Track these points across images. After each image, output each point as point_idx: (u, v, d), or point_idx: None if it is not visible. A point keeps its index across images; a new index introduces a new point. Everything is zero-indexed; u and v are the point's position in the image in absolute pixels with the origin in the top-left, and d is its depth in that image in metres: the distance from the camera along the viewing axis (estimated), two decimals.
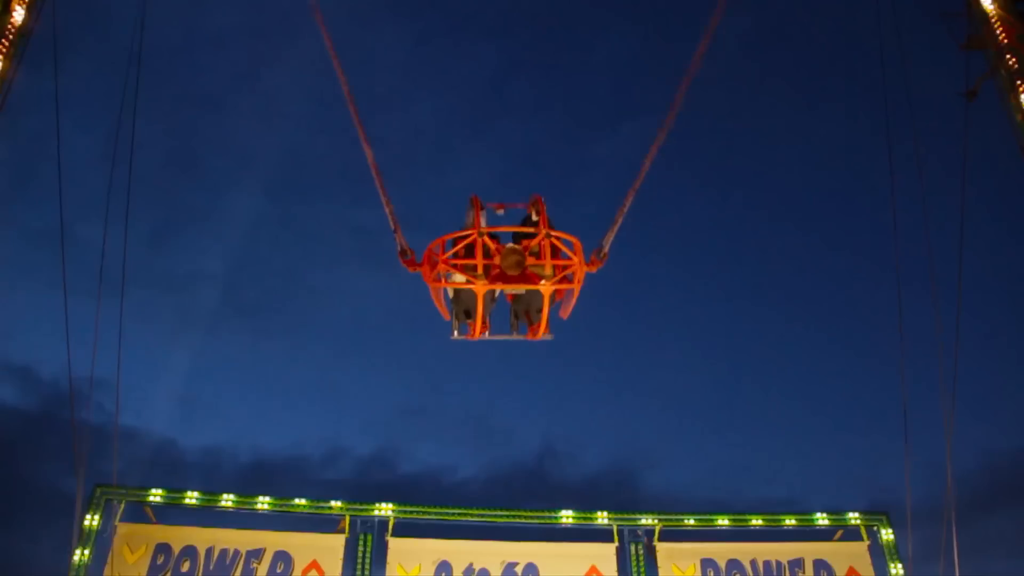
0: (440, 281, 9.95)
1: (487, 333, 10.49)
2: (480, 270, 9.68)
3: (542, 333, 10.25)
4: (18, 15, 13.54)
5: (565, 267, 9.76)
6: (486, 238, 9.84)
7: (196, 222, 50.53)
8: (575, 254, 9.74)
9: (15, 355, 39.75)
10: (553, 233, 9.76)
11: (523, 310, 10.65)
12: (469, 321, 10.20)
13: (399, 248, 10.01)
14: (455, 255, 9.76)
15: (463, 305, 10.38)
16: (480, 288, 9.74)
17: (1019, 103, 13.94)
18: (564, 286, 9.93)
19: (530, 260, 9.71)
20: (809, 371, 53.03)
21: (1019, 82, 14.05)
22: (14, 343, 38.98)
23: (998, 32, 14.53)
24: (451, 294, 10.47)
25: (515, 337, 10.81)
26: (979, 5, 14.92)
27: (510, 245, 9.84)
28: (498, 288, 9.98)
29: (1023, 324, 41.00)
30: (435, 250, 9.80)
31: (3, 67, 13.11)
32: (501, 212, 10.87)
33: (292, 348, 50.86)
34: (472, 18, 53.06)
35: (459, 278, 9.91)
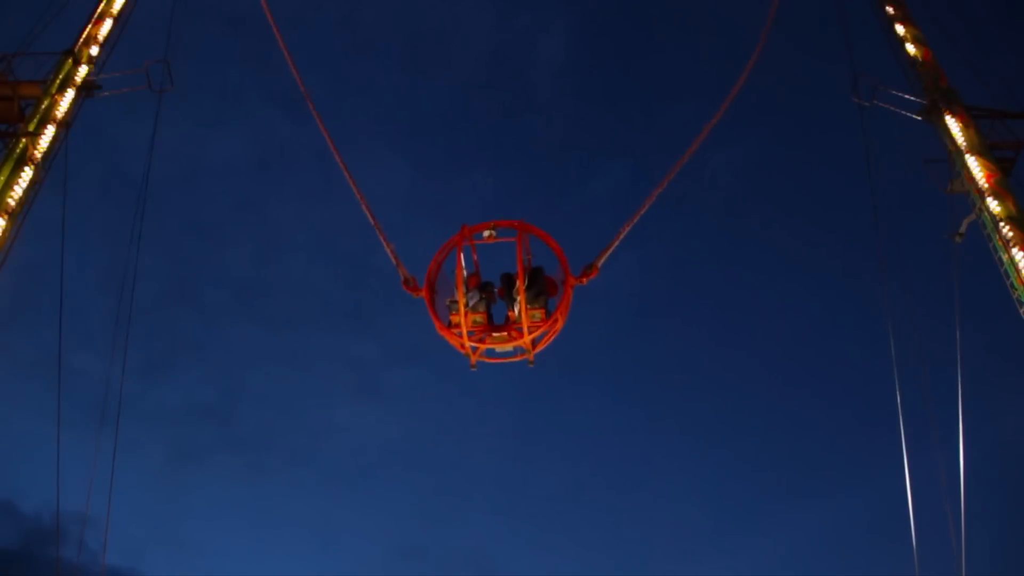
0: (441, 323, 11.31)
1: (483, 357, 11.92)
2: (467, 348, 11.33)
3: (533, 357, 11.94)
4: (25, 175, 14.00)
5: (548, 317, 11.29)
6: (469, 321, 11.22)
7: (192, 353, 50.48)
8: (548, 321, 11.30)
9: None
10: (530, 324, 11.17)
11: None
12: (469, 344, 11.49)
13: (402, 279, 11.61)
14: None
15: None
16: (473, 358, 11.53)
17: (1004, 244, 14.26)
18: (539, 347, 11.65)
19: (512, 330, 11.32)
20: None
21: (1002, 223, 14.43)
22: None
23: (978, 177, 15.07)
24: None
25: (511, 360, 12.16)
26: (959, 153, 15.54)
27: (495, 334, 11.36)
28: (481, 347, 11.55)
29: None
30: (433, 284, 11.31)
31: (5, 227, 13.31)
32: (490, 238, 11.78)
33: (287, 484, 49.59)
34: (469, 150, 54.87)
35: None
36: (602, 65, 54.14)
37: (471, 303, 11.47)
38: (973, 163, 15.25)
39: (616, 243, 11.84)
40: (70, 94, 15.52)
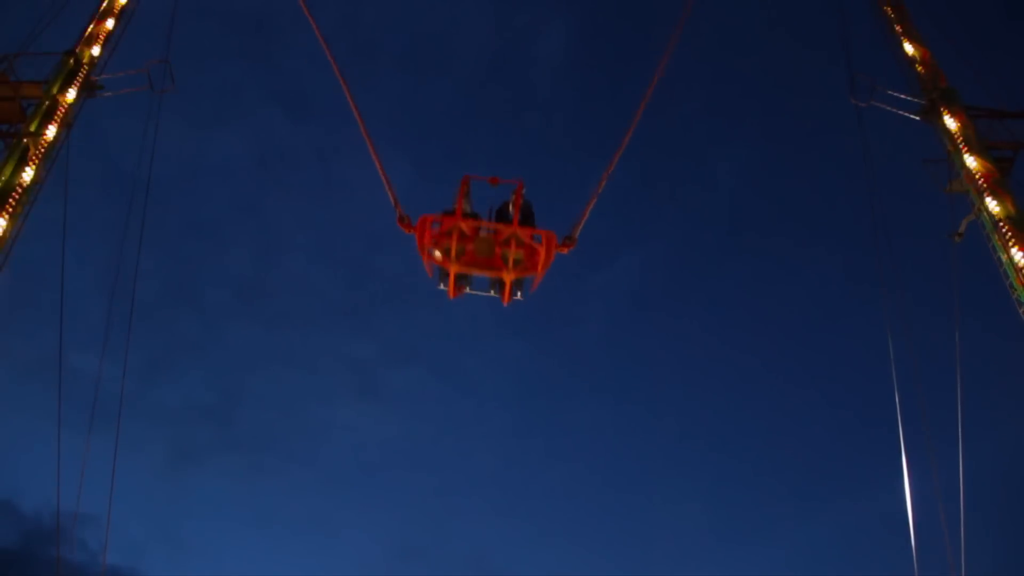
0: (426, 253, 12.05)
1: (466, 290, 12.82)
2: (453, 254, 11.91)
3: (508, 298, 12.63)
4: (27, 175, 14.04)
5: (533, 251, 12.07)
6: (463, 225, 11.91)
7: (192, 353, 50.45)
8: (542, 246, 12.00)
9: None
10: (520, 232, 11.87)
11: (496, 287, 12.79)
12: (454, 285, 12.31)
13: (398, 215, 12.22)
14: (440, 229, 11.89)
15: (445, 271, 12.46)
16: (452, 269, 12.07)
17: (1003, 244, 14.28)
18: (525, 273, 12.10)
19: (499, 250, 11.88)
20: None
21: (1001, 223, 14.45)
22: None
23: (977, 177, 15.10)
24: (434, 259, 12.45)
25: (492, 295, 12.89)
26: (958, 153, 15.57)
27: (483, 235, 11.98)
28: (466, 272, 12.22)
29: None
30: (428, 221, 11.95)
31: (7, 227, 13.35)
32: (495, 186, 12.34)
33: (287, 484, 49.64)
34: (470, 150, 54.98)
35: (439, 255, 12.07)
36: (601, 64, 54.21)
37: (468, 209, 12.34)
38: (972, 163, 15.27)
39: (588, 211, 12.73)
40: (71, 94, 15.55)
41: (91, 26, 16.81)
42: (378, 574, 49.79)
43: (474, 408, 53.92)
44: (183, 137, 46.26)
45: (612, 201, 55.64)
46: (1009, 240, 14.15)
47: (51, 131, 14.78)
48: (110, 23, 17.07)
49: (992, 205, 14.72)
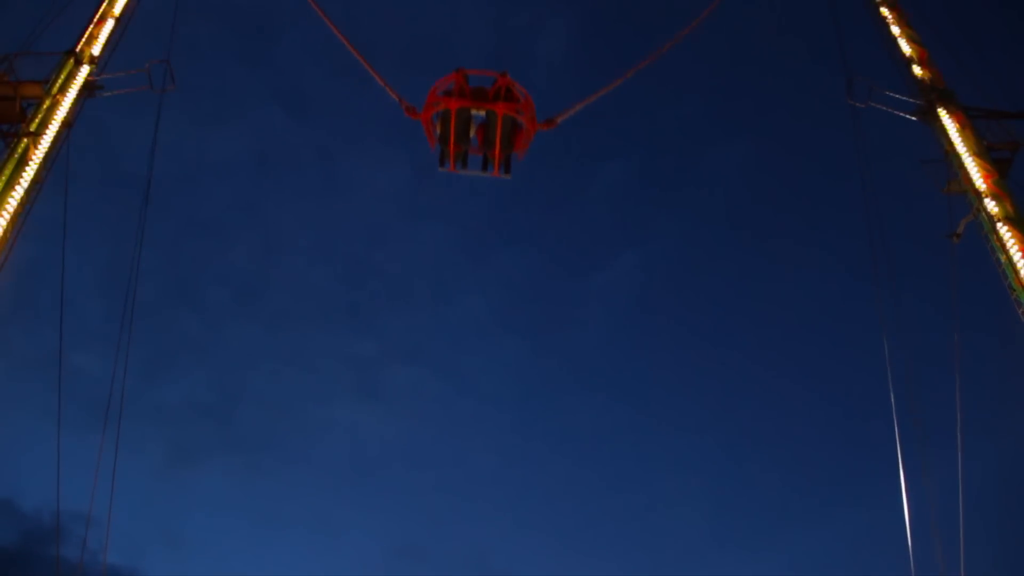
0: (431, 132, 14.20)
1: (462, 167, 14.73)
2: (456, 91, 13.92)
3: (497, 170, 14.55)
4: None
5: (519, 108, 14.02)
6: (463, 80, 13.99)
7: (192, 353, 50.46)
8: (527, 105, 14.08)
9: None
10: (508, 83, 13.91)
11: (489, 149, 14.51)
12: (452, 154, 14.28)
13: (404, 106, 14.43)
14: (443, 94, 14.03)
15: (446, 135, 14.28)
16: (453, 104, 13.91)
17: (1002, 244, 14.32)
18: (513, 106, 13.90)
19: (491, 94, 13.80)
20: None
21: (1000, 224, 14.48)
22: None
23: (976, 178, 15.12)
24: (437, 129, 14.44)
25: (483, 174, 14.83)
26: (956, 154, 15.60)
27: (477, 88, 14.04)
28: (465, 105, 13.95)
29: None
30: (432, 94, 14.04)
31: (5, 229, 13.36)
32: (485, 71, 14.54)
33: (287, 484, 49.69)
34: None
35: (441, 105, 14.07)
36: (601, 64, 54.23)
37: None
38: (970, 164, 15.31)
39: (577, 108, 14.89)
40: (72, 94, 15.58)
41: (91, 26, 16.84)
42: (378, 573, 49.90)
43: (474, 408, 53.96)
44: (183, 136, 46.33)
45: (612, 201, 55.77)
46: (1008, 240, 14.19)
47: (51, 131, 14.80)
48: (110, 23, 17.10)
49: (991, 206, 14.76)
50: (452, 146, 14.16)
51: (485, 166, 14.78)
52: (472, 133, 14.39)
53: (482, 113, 14.08)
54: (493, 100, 13.96)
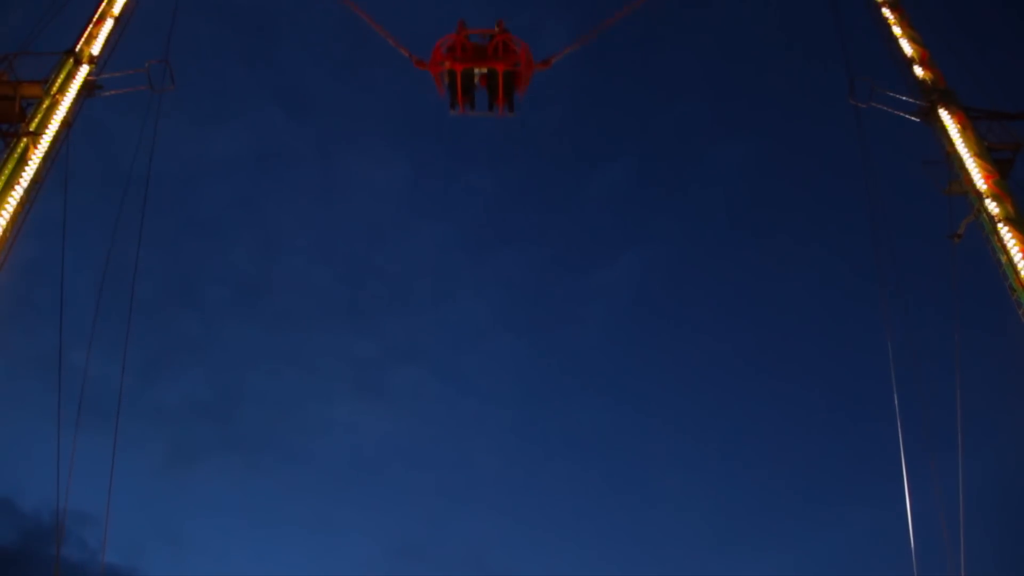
0: (439, 77, 16.30)
1: (471, 109, 16.82)
2: (459, 52, 16.09)
3: (502, 110, 16.71)
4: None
5: (516, 61, 16.18)
6: (465, 39, 16.22)
7: (192, 353, 50.42)
8: (523, 54, 16.33)
9: None
10: (506, 37, 16.15)
11: (492, 95, 16.71)
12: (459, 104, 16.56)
13: (413, 60, 16.45)
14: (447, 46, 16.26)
15: (454, 85, 16.50)
16: (458, 66, 16.10)
17: (1003, 245, 14.30)
18: (512, 60, 16.01)
19: (491, 51, 15.96)
20: None
21: (1001, 224, 14.46)
22: None
23: (977, 179, 15.11)
24: (446, 80, 16.54)
25: (489, 115, 16.92)
26: (957, 155, 15.58)
27: (478, 42, 16.25)
28: (468, 66, 16.13)
29: None
30: (439, 47, 16.24)
31: (5, 229, 13.30)
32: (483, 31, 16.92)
33: (287, 484, 49.64)
34: (469, 150, 55.12)
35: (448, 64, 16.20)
36: (601, 63, 54.21)
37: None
38: (971, 164, 15.29)
39: (567, 51, 17.35)
40: (71, 94, 15.55)
41: (91, 26, 16.81)
42: (378, 573, 49.87)
43: (474, 408, 53.93)
44: (183, 135, 46.31)
45: (613, 200, 55.76)
46: (1009, 241, 14.18)
47: (51, 131, 14.78)
48: (109, 23, 17.08)
49: (991, 206, 14.75)
50: (460, 96, 16.30)
51: (491, 106, 16.85)
52: (476, 80, 16.58)
53: (484, 69, 16.20)
54: (493, 56, 16.17)
